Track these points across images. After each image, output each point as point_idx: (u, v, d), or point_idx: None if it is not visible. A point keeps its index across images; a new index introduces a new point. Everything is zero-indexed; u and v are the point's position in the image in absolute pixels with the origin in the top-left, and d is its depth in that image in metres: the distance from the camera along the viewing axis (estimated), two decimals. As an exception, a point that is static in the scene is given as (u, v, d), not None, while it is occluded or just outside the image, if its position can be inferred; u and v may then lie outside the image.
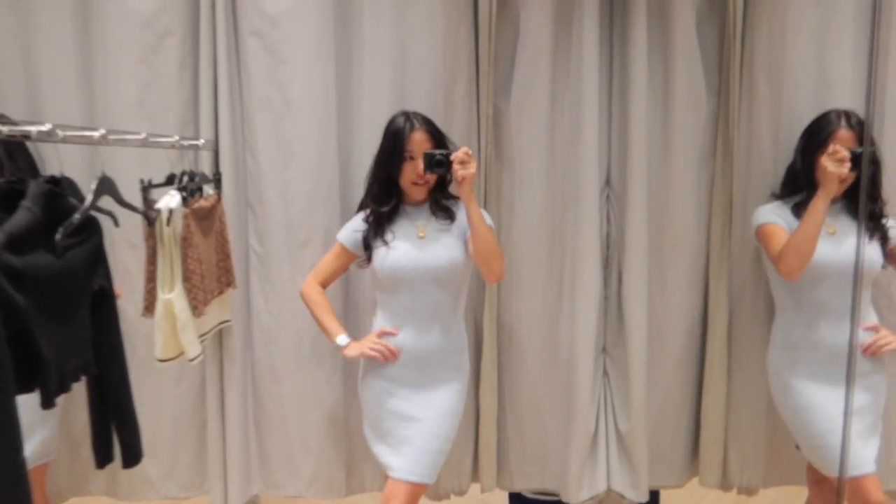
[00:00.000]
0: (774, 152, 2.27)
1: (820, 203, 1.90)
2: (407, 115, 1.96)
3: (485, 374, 2.36)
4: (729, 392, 2.39)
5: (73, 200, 1.37)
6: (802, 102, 2.23)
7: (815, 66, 2.24)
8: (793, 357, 2.08)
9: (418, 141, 1.92)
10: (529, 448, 2.47)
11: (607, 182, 2.36)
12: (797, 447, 2.17)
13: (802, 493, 2.35)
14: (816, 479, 2.17)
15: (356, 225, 2.05)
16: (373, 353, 1.95)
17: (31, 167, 1.95)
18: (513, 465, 2.48)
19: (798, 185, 2.09)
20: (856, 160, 1.87)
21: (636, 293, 2.32)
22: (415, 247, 1.95)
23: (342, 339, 2.00)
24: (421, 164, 1.90)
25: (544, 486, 2.50)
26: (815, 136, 2.03)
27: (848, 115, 2.00)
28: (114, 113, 2.22)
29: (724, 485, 2.45)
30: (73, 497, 2.43)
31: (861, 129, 1.98)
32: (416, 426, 1.94)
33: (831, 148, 1.89)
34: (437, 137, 1.96)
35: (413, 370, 1.96)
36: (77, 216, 1.35)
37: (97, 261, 1.45)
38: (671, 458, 2.47)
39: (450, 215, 2.00)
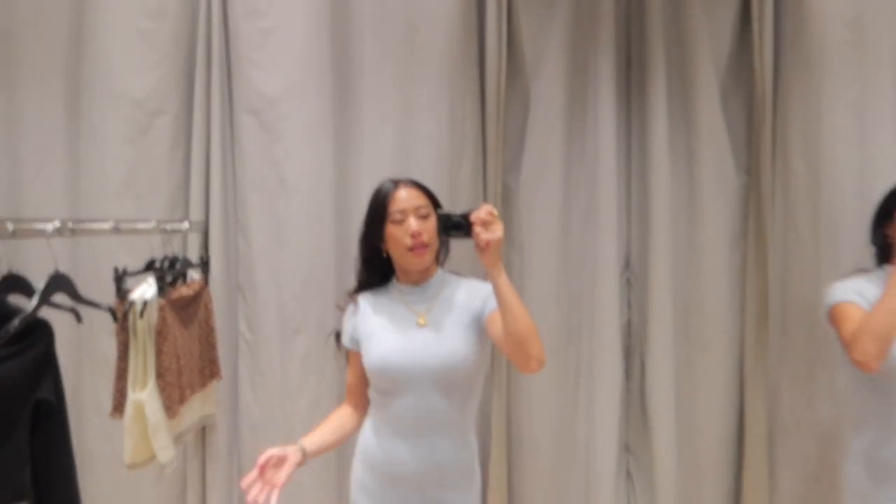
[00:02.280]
0: (815, 233, 2.07)
1: None
2: (392, 179, 1.60)
3: (493, 476, 2.15)
4: (771, 501, 2.13)
5: (12, 305, 1.23)
6: (843, 178, 2.04)
7: (856, 139, 2.06)
8: (881, 475, 1.69)
9: (405, 197, 1.55)
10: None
11: (627, 265, 2.18)
12: None
13: None
14: None
15: (347, 320, 1.68)
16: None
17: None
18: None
19: (882, 258, 1.77)
20: None
21: (661, 386, 2.11)
22: (410, 339, 1.56)
23: (299, 448, 1.54)
24: (413, 222, 1.52)
25: None
26: (885, 205, 1.74)
27: None
28: (100, 196, 2.13)
29: None
30: None
31: None
32: None
33: None
34: (428, 192, 1.60)
35: (405, 492, 1.57)
36: (15, 323, 1.20)
37: (42, 371, 1.30)
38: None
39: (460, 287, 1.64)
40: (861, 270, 1.82)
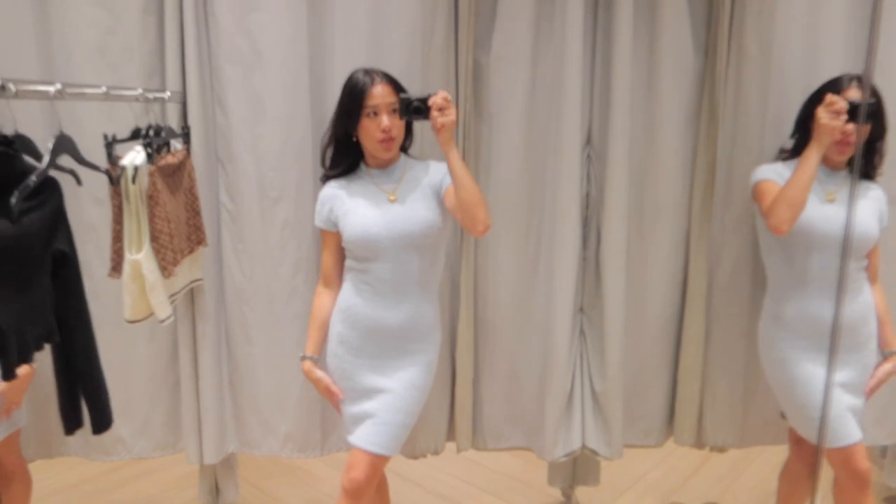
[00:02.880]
0: (762, 114, 2.23)
1: (812, 153, 1.81)
2: (366, 70, 1.79)
3: (461, 335, 2.35)
4: (706, 354, 2.40)
5: (29, 161, 1.30)
6: (793, 63, 2.18)
7: (807, 25, 2.19)
8: (786, 329, 2.02)
9: (380, 94, 1.75)
10: (505, 407, 2.48)
11: (588, 140, 2.31)
12: (782, 416, 2.19)
13: (770, 450, 2.41)
14: (797, 440, 2.17)
15: (321, 203, 1.90)
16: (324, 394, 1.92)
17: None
18: (487, 425, 2.48)
19: (803, 147, 1.98)
20: (854, 112, 1.78)
21: (615, 254, 2.29)
22: (385, 212, 1.80)
23: (308, 357, 1.92)
24: (385, 119, 1.75)
25: (519, 444, 2.52)
26: (821, 94, 1.91)
27: (860, 79, 1.89)
28: (73, 63, 2.11)
29: (699, 444, 2.49)
30: (41, 458, 2.40)
31: (872, 96, 1.89)
32: (381, 398, 1.83)
33: (828, 98, 1.80)
34: (401, 91, 1.79)
35: (382, 342, 1.84)
36: (33, 178, 1.28)
37: (57, 224, 1.39)
38: (648, 418, 2.49)
39: (422, 169, 1.89)
40: (782, 151, 2.10)
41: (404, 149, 1.93)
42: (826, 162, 1.92)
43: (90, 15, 2.09)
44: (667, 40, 2.21)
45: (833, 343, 1.81)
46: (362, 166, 1.89)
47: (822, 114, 1.80)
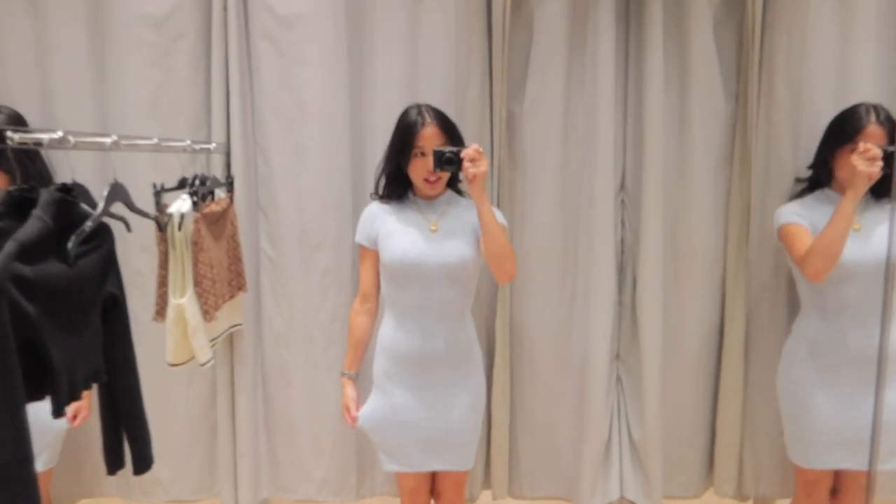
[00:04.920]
0: (794, 157, 2.24)
1: (848, 203, 1.80)
2: (419, 109, 1.88)
3: (497, 380, 2.34)
4: (745, 402, 2.36)
5: (85, 208, 1.37)
6: (823, 106, 2.19)
7: (837, 68, 2.21)
8: (809, 350, 2.02)
9: (429, 136, 1.83)
10: (541, 455, 2.45)
11: (622, 186, 2.33)
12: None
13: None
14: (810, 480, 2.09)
15: (365, 219, 1.97)
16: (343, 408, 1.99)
17: (42, 175, 1.93)
18: (524, 473, 2.46)
19: (821, 181, 2.04)
20: (887, 158, 1.78)
21: (651, 299, 2.29)
22: (425, 239, 1.86)
23: (348, 374, 2.00)
24: (432, 162, 1.81)
25: (556, 493, 2.48)
26: (842, 130, 1.95)
27: (877, 109, 1.92)
28: (126, 117, 2.22)
29: (740, 495, 2.42)
30: (83, 499, 2.43)
31: (890, 124, 1.90)
32: (446, 425, 1.90)
33: (861, 146, 1.79)
34: (450, 132, 1.87)
35: (429, 371, 1.89)
36: (89, 224, 1.34)
37: (109, 268, 1.44)
38: (687, 468, 2.44)
39: (466, 207, 1.94)
40: (798, 181, 2.16)
41: (454, 184, 1.99)
42: (849, 185, 1.87)
43: (145, 74, 2.21)
44: (697, 87, 2.24)
45: (880, 371, 1.77)
46: (410, 194, 1.96)
47: (857, 162, 1.79)
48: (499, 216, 1.90)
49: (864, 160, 1.79)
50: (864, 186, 1.81)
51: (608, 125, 2.23)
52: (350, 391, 1.98)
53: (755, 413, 2.36)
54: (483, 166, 1.73)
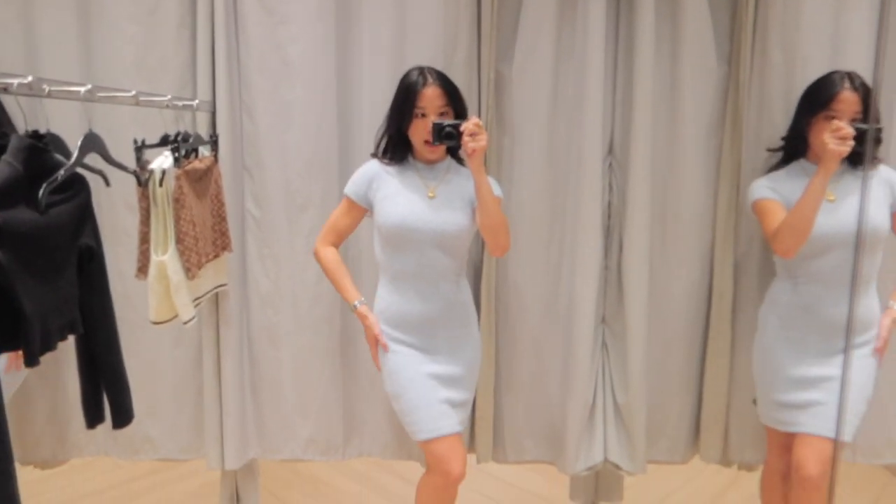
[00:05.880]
0: (786, 121, 2.20)
1: (819, 181, 1.79)
2: (421, 70, 1.87)
3: (482, 345, 2.33)
4: (732, 368, 2.35)
5: (58, 157, 1.35)
6: (816, 70, 2.15)
7: (831, 32, 2.17)
8: (780, 317, 2.05)
9: (430, 97, 1.83)
10: (526, 419, 2.46)
11: (610, 150, 2.31)
12: (754, 402, 2.17)
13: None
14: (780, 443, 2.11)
15: (363, 176, 1.95)
16: (371, 342, 1.96)
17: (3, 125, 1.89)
18: (508, 437, 2.47)
19: (796, 152, 2.03)
20: (859, 136, 1.75)
21: (637, 264, 2.28)
22: (423, 206, 1.86)
23: (357, 303, 1.95)
24: (430, 132, 1.81)
25: (540, 457, 2.49)
26: (816, 98, 1.94)
27: (851, 76, 1.91)
28: (111, 75, 2.20)
29: (725, 461, 2.44)
30: (72, 458, 2.46)
31: (865, 91, 1.89)
32: (456, 384, 1.95)
33: (834, 124, 1.77)
34: (451, 93, 1.87)
35: (428, 333, 1.92)
36: (62, 172, 1.33)
37: (84, 219, 1.43)
38: (672, 434, 2.45)
39: (467, 176, 1.91)
40: (769, 150, 2.15)
41: (454, 152, 1.98)
42: (820, 163, 1.84)
43: (129, 32, 2.19)
44: (689, 49, 2.21)
45: (849, 333, 1.80)
46: (410, 158, 1.95)
47: (829, 140, 1.77)
48: (495, 188, 1.90)
49: (836, 139, 1.76)
50: (834, 165, 1.78)
51: (597, 87, 2.19)
52: (373, 319, 1.94)
53: (742, 379, 2.35)
54: (482, 141, 1.72)
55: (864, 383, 1.94)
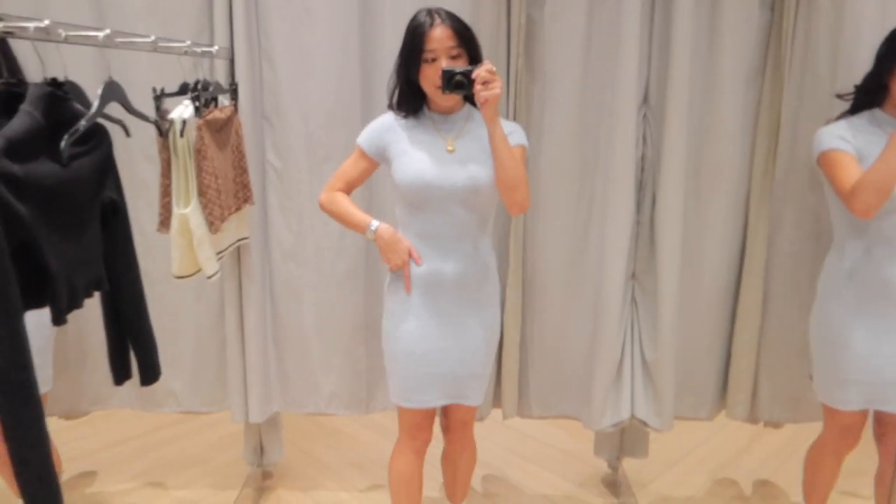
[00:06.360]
0: (832, 72, 2.11)
1: None
2: (429, 11, 1.66)
3: (508, 300, 2.29)
4: (763, 325, 2.31)
5: (78, 106, 1.29)
6: (868, 18, 2.04)
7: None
8: (846, 285, 1.86)
9: (440, 38, 1.62)
10: (552, 375, 2.43)
11: (645, 100, 2.21)
12: (811, 377, 2.04)
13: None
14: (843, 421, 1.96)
15: (376, 127, 1.80)
16: (396, 266, 1.77)
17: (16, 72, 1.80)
18: (533, 392, 2.45)
19: (871, 100, 1.84)
20: None
21: (670, 219, 2.21)
22: (441, 162, 1.70)
23: (374, 223, 1.77)
24: (444, 65, 1.61)
25: (566, 412, 2.47)
26: (890, 49, 1.77)
27: None
28: (126, 21, 2.11)
29: (752, 419, 2.41)
30: (95, 410, 2.46)
31: None
32: (463, 355, 1.80)
33: None
34: (462, 34, 1.65)
35: (446, 296, 1.76)
36: (84, 122, 1.27)
37: (106, 172, 1.37)
38: (700, 390, 2.42)
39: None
40: (839, 96, 1.95)
41: (471, 98, 1.76)
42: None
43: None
44: None
45: None
46: (425, 109, 1.77)
47: None
48: (520, 136, 1.76)
49: None
50: None
51: (633, 33, 2.09)
52: (393, 231, 1.77)
53: (771, 335, 2.31)
54: (496, 88, 1.56)
55: None
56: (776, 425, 2.43)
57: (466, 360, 1.82)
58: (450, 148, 1.73)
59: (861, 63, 1.96)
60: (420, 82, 1.70)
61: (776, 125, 2.14)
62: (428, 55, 1.65)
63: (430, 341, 1.78)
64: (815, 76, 2.13)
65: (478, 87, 1.56)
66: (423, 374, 1.80)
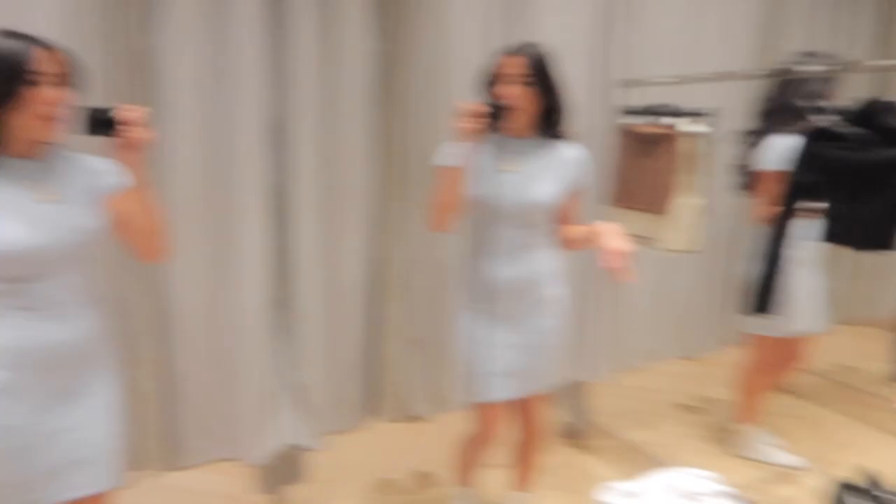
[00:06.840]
0: (436, 96, 2.42)
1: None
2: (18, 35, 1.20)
3: (146, 350, 2.14)
4: (401, 333, 2.52)
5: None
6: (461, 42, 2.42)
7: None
8: (466, 289, 1.89)
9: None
10: (204, 421, 2.25)
11: (273, 128, 2.14)
12: None
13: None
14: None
15: None
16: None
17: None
18: (182, 443, 2.25)
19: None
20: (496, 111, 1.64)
21: (306, 243, 2.27)
22: (34, 217, 1.24)
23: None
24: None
25: (221, 456, 2.29)
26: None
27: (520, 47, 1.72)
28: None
29: (403, 418, 2.63)
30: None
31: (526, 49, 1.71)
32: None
33: (463, 107, 1.61)
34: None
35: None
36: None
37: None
38: (348, 402, 2.49)
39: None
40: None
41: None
42: (509, 132, 1.74)
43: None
44: (344, 26, 2.29)
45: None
46: None
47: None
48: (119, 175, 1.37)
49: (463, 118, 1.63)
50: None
51: (254, 63, 2.04)
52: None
53: (409, 340, 2.56)
54: (148, 131, 1.29)
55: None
56: (423, 420, 2.67)
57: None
58: (49, 197, 1.27)
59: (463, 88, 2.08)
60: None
61: (403, 144, 2.42)
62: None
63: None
64: (424, 97, 2.44)
65: (128, 128, 1.27)
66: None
